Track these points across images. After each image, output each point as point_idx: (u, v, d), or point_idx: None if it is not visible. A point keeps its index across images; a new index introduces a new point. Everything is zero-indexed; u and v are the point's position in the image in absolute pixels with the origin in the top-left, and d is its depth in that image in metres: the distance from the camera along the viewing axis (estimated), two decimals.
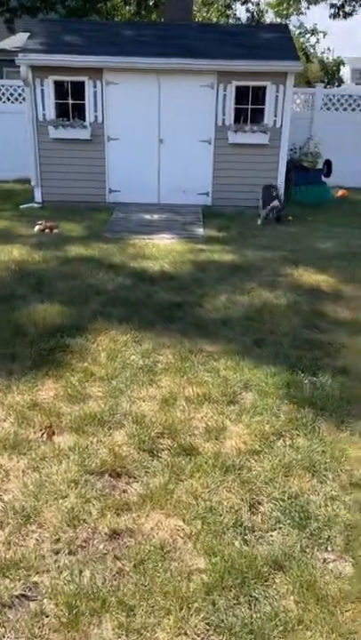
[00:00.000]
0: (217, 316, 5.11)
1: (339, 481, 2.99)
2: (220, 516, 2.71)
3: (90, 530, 2.63)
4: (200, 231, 8.44)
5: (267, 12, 21.30)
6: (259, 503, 2.83)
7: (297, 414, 3.56)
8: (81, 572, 2.41)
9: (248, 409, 3.61)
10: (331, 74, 34.07)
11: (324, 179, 11.40)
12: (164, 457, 3.14)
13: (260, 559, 2.47)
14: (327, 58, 34.37)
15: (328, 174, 11.48)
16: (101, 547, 2.55)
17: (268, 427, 3.42)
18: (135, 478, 2.98)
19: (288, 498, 2.84)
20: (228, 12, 20.02)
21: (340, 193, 11.72)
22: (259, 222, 8.97)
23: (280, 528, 2.68)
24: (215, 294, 5.61)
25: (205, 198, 9.92)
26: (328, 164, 11.49)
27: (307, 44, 31.87)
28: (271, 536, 2.64)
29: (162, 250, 7.23)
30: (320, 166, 11.63)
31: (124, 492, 2.89)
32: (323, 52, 34.09)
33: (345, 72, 43.05)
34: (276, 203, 9.05)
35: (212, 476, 2.97)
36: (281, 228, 8.83)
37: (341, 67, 36.69)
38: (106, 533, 2.61)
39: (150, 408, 3.59)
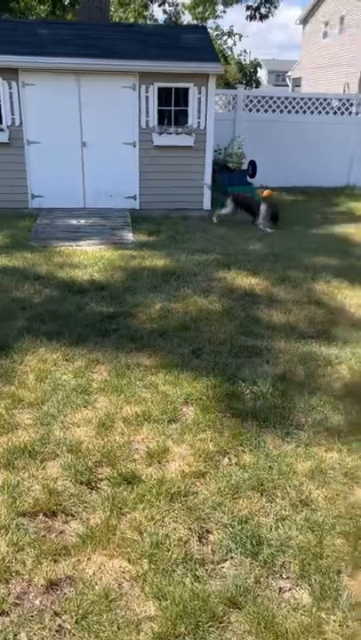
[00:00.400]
0: (153, 326, 4.89)
1: (288, 499, 2.86)
2: (168, 551, 2.50)
3: (24, 583, 2.35)
4: (130, 236, 8.20)
5: (184, 13, 21.29)
6: (208, 532, 2.65)
7: (241, 428, 3.42)
8: (15, 635, 2.13)
9: (190, 426, 3.42)
10: (249, 75, 34.72)
11: (249, 179, 11.47)
12: (103, 488, 2.90)
13: (214, 597, 2.29)
14: (244, 60, 35.00)
15: (253, 175, 11.54)
16: (38, 602, 2.27)
17: (212, 445, 3.25)
18: (73, 516, 2.72)
19: (238, 523, 2.68)
20: (146, 13, 19.84)
21: (265, 193, 11.80)
22: (263, 228, 8.96)
23: (232, 558, 2.51)
24: (150, 303, 5.39)
25: (133, 202, 9.68)
26: (253, 164, 11.55)
27: (224, 47, 32.30)
28: (223, 568, 2.46)
29: (91, 257, 6.93)
30: (245, 167, 11.68)
31: (62, 533, 2.62)
32: (240, 55, 34.67)
33: (262, 74, 44.08)
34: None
35: (157, 506, 2.75)
36: (211, 230, 8.74)
37: (258, 69, 37.53)
38: (43, 585, 2.34)
39: (86, 434, 3.33)
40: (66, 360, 4.20)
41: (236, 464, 3.11)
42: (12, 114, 8.94)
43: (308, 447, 3.27)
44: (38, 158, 9.21)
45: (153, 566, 2.42)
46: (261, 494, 2.89)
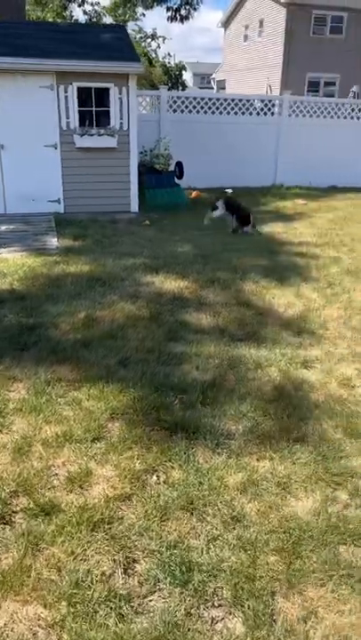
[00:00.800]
0: (76, 337, 4.62)
1: (220, 516, 2.69)
2: (90, 589, 2.27)
3: None
4: (54, 241, 7.85)
5: (104, 15, 20.97)
6: (134, 561, 2.44)
7: (169, 442, 3.22)
8: None
9: (116, 444, 3.19)
10: (174, 78, 34.77)
11: (177, 180, 11.36)
12: (18, 522, 2.62)
13: (140, 638, 2.07)
14: (169, 63, 35.04)
15: (180, 176, 11.45)
16: None
17: (138, 463, 3.03)
18: None
19: (167, 548, 2.48)
20: (65, 14, 19.38)
21: (193, 194, 11.77)
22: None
23: (160, 589, 2.30)
24: (73, 312, 5.11)
25: (57, 206, 9.31)
26: (179, 165, 11.45)
27: (148, 49, 32.23)
28: (151, 602, 2.25)
29: (11, 265, 6.54)
30: (172, 168, 11.56)
31: None
32: (164, 57, 34.69)
33: (187, 77, 44.34)
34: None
35: (78, 538, 2.51)
36: (140, 233, 8.53)
37: (184, 71, 37.68)
38: None
39: (1, 461, 3.02)
40: None
41: (164, 482, 2.92)
42: None
43: (239, 457, 3.12)
44: None
45: (72, 609, 2.17)
46: (191, 514, 2.70)
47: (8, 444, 3.16)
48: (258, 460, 3.13)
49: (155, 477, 2.96)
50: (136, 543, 2.51)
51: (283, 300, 5.60)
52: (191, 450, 3.17)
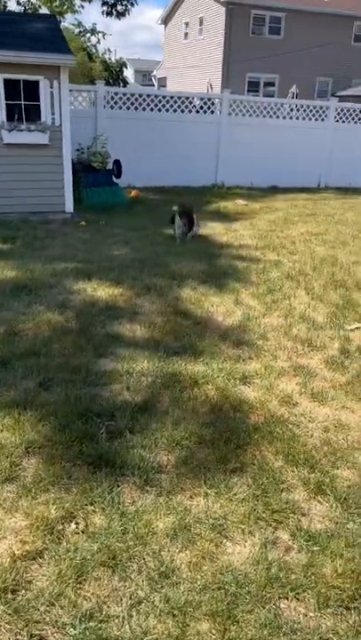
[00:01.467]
0: None
1: (146, 572, 2.33)
2: None
3: None
4: None
5: (40, 7, 20.12)
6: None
7: (92, 481, 2.83)
8: None
9: (30, 487, 2.76)
10: (115, 74, 34.08)
11: (115, 179, 10.91)
12: None
13: None
14: (109, 59, 34.29)
15: (119, 175, 11.01)
16: None
17: (54, 509, 2.62)
18: None
19: (81, 620, 2.09)
20: None
21: (132, 194, 11.35)
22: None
23: None
24: None
25: None
26: (117, 163, 11.01)
27: (88, 44, 31.38)
28: None
29: None
30: (110, 167, 11.10)
31: None
32: (104, 53, 33.90)
33: (129, 73, 43.73)
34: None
35: None
36: (74, 234, 8.04)
37: (125, 68, 37.02)
38: None
39: None
40: None
41: (83, 532, 2.52)
42: None
43: (170, 495, 2.77)
44: None
45: None
46: (113, 571, 2.33)
47: None
48: (191, 497, 2.78)
49: (73, 526, 2.56)
50: (45, 616, 2.11)
51: (221, 308, 5.30)
52: (116, 488, 2.79)
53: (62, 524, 2.56)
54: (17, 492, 2.73)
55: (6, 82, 8.23)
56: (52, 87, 8.45)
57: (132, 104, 11.93)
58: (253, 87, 25.97)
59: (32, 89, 8.41)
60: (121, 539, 2.47)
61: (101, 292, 5.54)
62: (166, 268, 6.36)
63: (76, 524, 2.57)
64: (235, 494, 2.79)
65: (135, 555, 2.40)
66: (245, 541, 2.53)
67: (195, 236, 7.97)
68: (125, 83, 35.61)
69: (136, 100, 11.94)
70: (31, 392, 3.62)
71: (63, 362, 4.06)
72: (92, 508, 2.66)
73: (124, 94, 12.03)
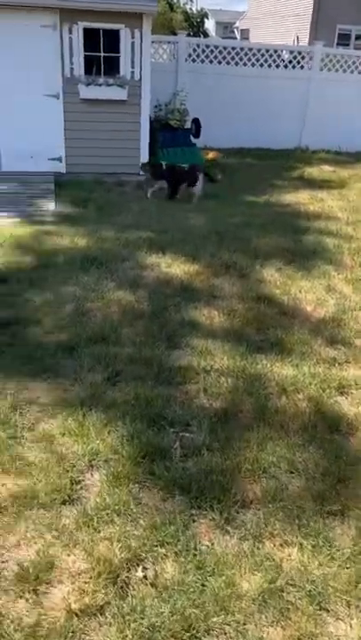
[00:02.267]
0: (60, 338, 3.72)
1: None
2: None
3: None
4: (50, 207, 6.85)
5: None
6: None
7: (164, 512, 2.37)
8: None
9: (91, 514, 2.34)
10: (196, 26, 32.44)
11: (193, 139, 10.17)
12: None
13: None
14: (190, 9, 32.61)
15: (197, 134, 10.24)
16: None
17: (119, 549, 2.19)
18: None
19: None
20: None
21: (210, 155, 10.59)
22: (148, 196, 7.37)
23: None
24: (59, 303, 4.20)
25: (58, 165, 8.24)
26: (196, 122, 10.22)
27: None
28: None
29: None
30: (188, 125, 10.36)
31: None
32: (185, 3, 32.23)
33: (210, 25, 41.72)
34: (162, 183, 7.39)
35: None
36: (149, 200, 7.50)
37: (206, 19, 35.18)
38: None
39: None
40: None
41: (153, 584, 2.08)
42: None
43: (256, 542, 2.27)
44: None
45: None
46: None
47: None
48: (282, 546, 2.27)
49: (140, 573, 2.12)
50: None
51: (311, 295, 4.63)
52: (192, 526, 2.32)
53: (128, 569, 2.12)
54: (77, 519, 2.32)
55: (86, 31, 7.61)
56: (133, 37, 7.76)
57: (216, 57, 11.00)
58: (344, 40, 23.85)
59: (112, 39, 7.75)
60: (197, 601, 2.00)
61: (176, 268, 5.01)
62: (247, 244, 5.71)
63: (144, 570, 2.14)
64: (336, 550, 2.25)
65: (215, 626, 1.93)
66: (351, 619, 2.01)
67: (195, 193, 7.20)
68: (206, 35, 33.86)
69: (220, 52, 10.99)
70: (98, 388, 3.19)
71: (134, 352, 3.60)
72: (163, 550, 2.21)
73: (207, 46, 11.10)
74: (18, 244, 5.36)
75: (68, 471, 2.55)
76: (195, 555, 2.19)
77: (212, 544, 2.25)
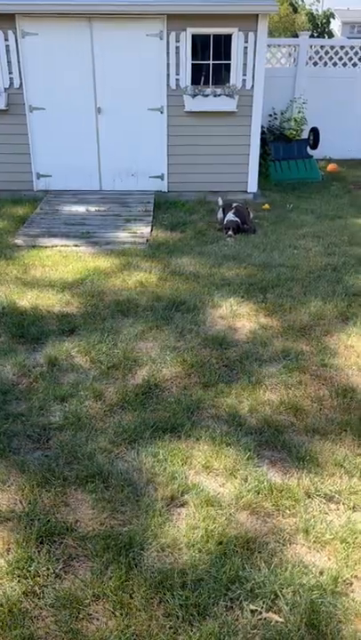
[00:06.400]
0: (121, 426, 2.90)
1: None
2: None
3: None
4: (145, 232, 6.14)
5: None
6: None
7: None
8: None
9: None
10: (320, 27, 30.58)
11: (310, 151, 9.00)
12: None
13: None
14: (316, 10, 30.78)
15: (315, 145, 9.07)
16: None
17: None
18: None
19: None
20: None
21: (329, 168, 9.34)
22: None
23: None
24: (130, 368, 3.39)
25: (160, 183, 7.53)
26: (315, 132, 9.06)
27: None
28: None
29: (79, 270, 4.94)
30: (305, 135, 9.20)
31: None
32: (312, 4, 30.47)
33: (335, 25, 39.41)
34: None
35: None
36: (256, 222, 6.52)
37: (331, 19, 33.11)
38: None
39: None
40: None
41: None
42: (10, 72, 6.91)
43: None
44: (44, 129, 7.21)
45: None
46: None
47: None
48: None
49: None
50: None
51: None
52: None
53: None
54: None
55: (194, 38, 6.80)
56: (246, 42, 6.81)
57: (341, 59, 9.69)
58: None
59: (222, 45, 6.87)
60: None
61: (276, 322, 3.99)
62: None
63: None
64: None
65: None
66: None
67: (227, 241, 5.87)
68: (331, 36, 31.88)
69: (346, 54, 9.67)
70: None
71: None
72: None
73: (332, 47, 9.80)
74: (100, 280, 4.65)
75: None
76: None
77: None
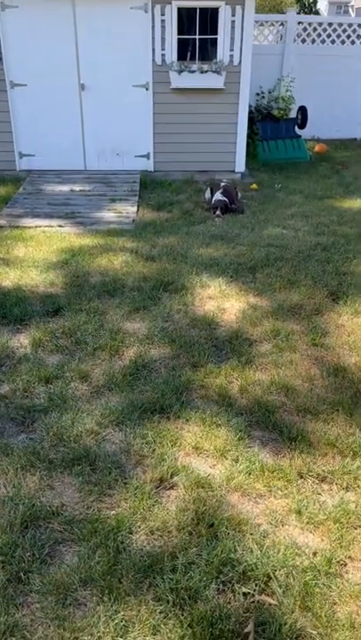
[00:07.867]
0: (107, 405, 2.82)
1: None
2: None
3: None
4: (131, 212, 6.01)
5: None
6: None
7: None
8: None
9: None
10: (308, 6, 30.17)
11: (297, 130, 8.88)
12: None
13: None
14: None
15: (303, 125, 8.94)
16: None
17: None
18: None
19: None
20: None
21: (316, 148, 9.24)
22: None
23: None
24: (117, 348, 3.30)
25: (146, 162, 7.37)
26: (303, 111, 8.92)
27: None
28: None
29: (65, 248, 4.82)
30: (293, 115, 9.07)
31: None
32: None
33: (322, 5, 38.91)
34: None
35: None
36: (244, 201, 6.41)
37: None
38: None
39: None
40: None
41: None
42: None
43: None
44: (25, 106, 7.00)
45: None
46: None
47: None
48: None
49: None
50: None
51: None
52: None
53: None
54: None
55: (180, 11, 6.61)
56: (233, 15, 6.63)
57: (329, 36, 9.54)
58: None
59: (208, 19, 6.69)
60: None
61: (265, 302, 3.92)
62: None
63: None
64: None
65: None
66: None
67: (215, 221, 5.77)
68: (318, 15, 31.49)
69: (334, 30, 9.51)
70: None
71: None
72: None
73: (319, 24, 9.65)
74: (85, 261, 4.53)
75: None
76: None
77: None
